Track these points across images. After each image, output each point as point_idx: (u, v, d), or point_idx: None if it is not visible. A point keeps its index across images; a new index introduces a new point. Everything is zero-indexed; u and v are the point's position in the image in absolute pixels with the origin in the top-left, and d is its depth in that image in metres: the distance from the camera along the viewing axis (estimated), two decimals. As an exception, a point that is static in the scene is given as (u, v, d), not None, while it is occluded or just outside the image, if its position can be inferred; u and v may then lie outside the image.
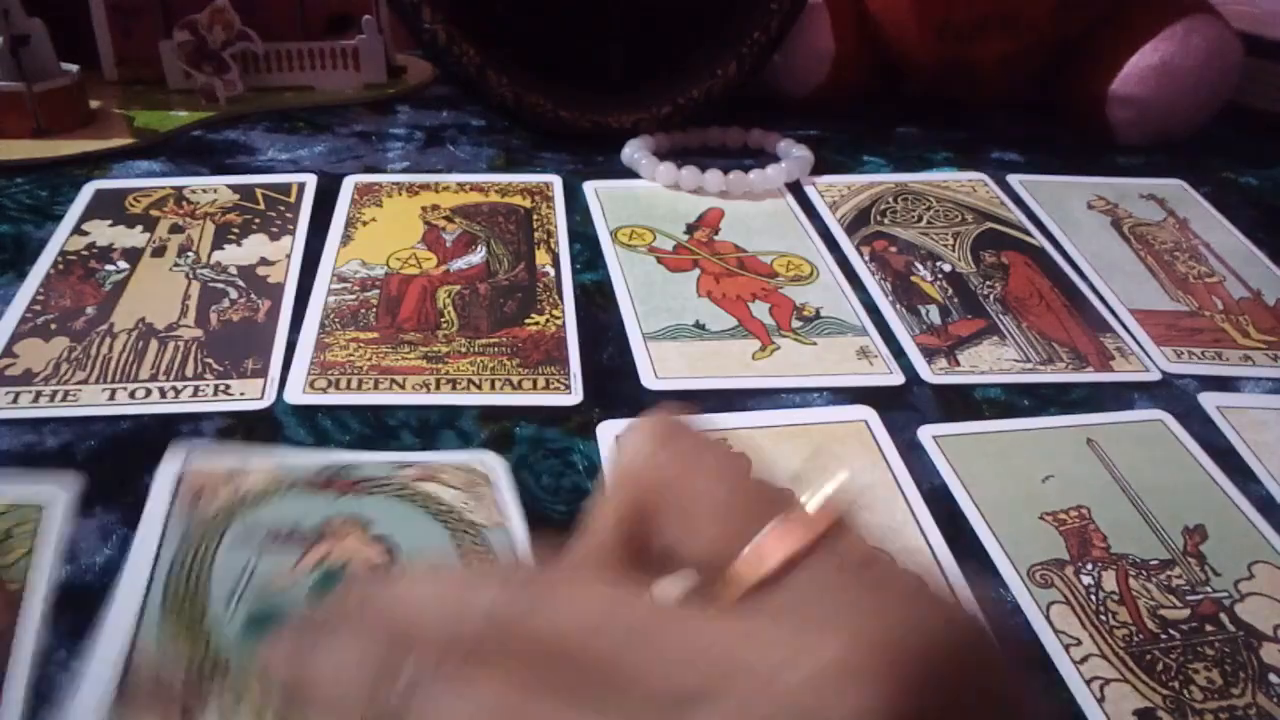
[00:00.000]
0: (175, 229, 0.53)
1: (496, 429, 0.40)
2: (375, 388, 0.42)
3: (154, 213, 0.55)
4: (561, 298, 0.49)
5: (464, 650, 0.18)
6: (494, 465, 0.36)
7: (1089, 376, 0.46)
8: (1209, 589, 0.35)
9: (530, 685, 0.17)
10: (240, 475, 0.34)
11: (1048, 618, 0.34)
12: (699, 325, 0.48)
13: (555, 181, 0.60)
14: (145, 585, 0.31)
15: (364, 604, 0.21)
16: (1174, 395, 0.45)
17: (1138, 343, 0.49)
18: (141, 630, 0.30)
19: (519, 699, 0.17)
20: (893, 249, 0.55)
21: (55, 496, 0.34)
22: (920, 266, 0.54)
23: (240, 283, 0.49)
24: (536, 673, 0.17)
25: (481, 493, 0.34)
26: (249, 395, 0.41)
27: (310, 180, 0.59)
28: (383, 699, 0.18)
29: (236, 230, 0.53)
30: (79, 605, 0.31)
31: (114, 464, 0.37)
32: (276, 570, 0.31)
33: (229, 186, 0.58)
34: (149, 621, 0.30)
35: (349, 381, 0.42)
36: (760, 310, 0.49)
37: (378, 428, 0.40)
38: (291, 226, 0.54)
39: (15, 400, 0.40)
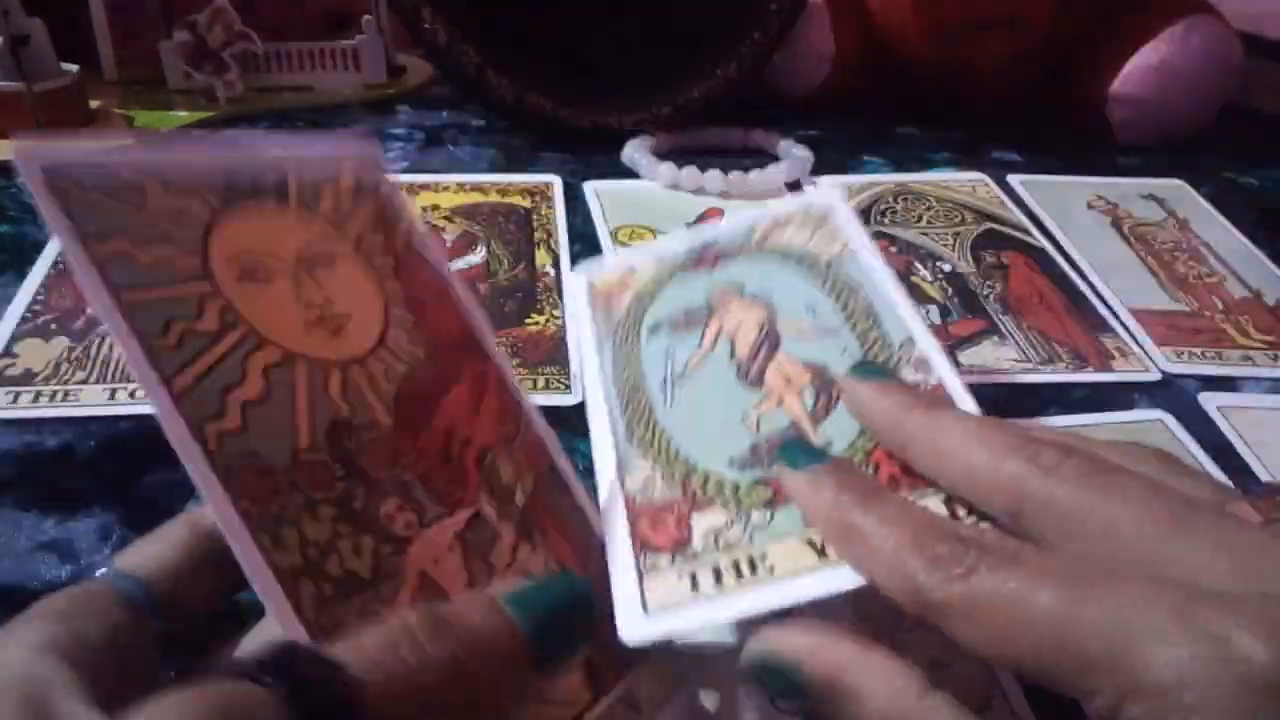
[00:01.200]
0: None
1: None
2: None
3: (154, 213, 0.55)
4: (561, 298, 0.49)
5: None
6: (830, 199, 0.35)
7: (1089, 376, 0.46)
8: (1209, 589, 0.35)
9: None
10: (630, 275, 0.35)
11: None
12: (699, 325, 0.48)
13: (555, 181, 0.60)
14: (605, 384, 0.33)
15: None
16: (1174, 395, 0.45)
17: (1138, 343, 0.49)
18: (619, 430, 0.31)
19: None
20: (893, 249, 0.55)
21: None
22: (920, 266, 0.54)
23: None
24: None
25: (825, 228, 0.34)
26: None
27: (310, 180, 0.59)
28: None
29: (236, 230, 0.53)
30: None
31: (114, 464, 0.37)
32: (687, 353, 0.32)
33: (229, 186, 0.58)
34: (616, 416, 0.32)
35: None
36: (760, 310, 0.49)
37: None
38: (291, 226, 0.54)
39: (15, 400, 0.40)
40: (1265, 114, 0.76)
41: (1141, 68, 0.67)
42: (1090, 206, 0.61)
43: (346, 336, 0.25)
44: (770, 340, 0.31)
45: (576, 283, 0.37)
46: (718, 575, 0.26)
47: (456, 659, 0.20)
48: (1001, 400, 0.44)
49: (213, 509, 0.21)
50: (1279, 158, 0.71)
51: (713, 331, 0.33)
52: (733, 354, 0.31)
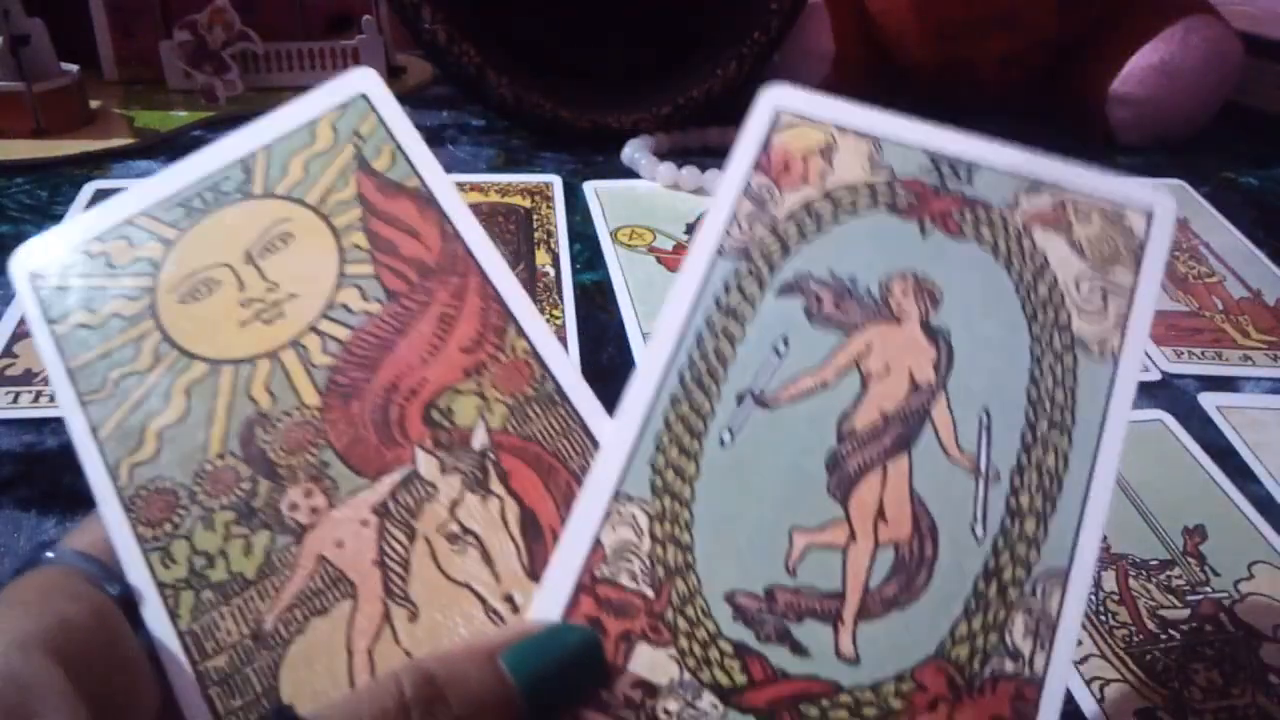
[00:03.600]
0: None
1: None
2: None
3: (154, 213, 0.55)
4: (561, 298, 0.49)
5: None
6: (1156, 201, 0.23)
7: (1089, 376, 0.46)
8: (1209, 589, 0.35)
9: None
10: (833, 151, 0.24)
11: (1048, 618, 0.34)
12: (699, 325, 0.48)
13: (555, 181, 0.60)
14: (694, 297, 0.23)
15: None
16: (1174, 395, 0.45)
17: (1138, 343, 0.49)
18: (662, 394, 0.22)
19: None
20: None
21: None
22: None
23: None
24: None
25: (1117, 249, 0.22)
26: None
27: (310, 180, 0.59)
28: None
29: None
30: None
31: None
32: (800, 364, 0.22)
33: (229, 186, 0.58)
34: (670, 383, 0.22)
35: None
36: (760, 310, 0.49)
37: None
38: (291, 226, 0.54)
39: (15, 400, 0.40)
40: (1265, 114, 0.76)
41: (1141, 68, 0.67)
42: (1090, 206, 0.61)
43: (287, 319, 0.26)
44: (904, 425, 0.21)
45: (757, 124, 0.25)
46: None
47: None
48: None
49: (111, 536, 0.23)
50: (1279, 158, 0.71)
51: (850, 353, 0.22)
52: (846, 415, 0.21)
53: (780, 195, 0.24)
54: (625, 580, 0.21)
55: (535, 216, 0.57)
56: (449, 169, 0.61)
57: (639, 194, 0.60)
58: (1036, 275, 0.22)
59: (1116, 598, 0.35)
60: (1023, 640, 0.20)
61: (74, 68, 0.63)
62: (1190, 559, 0.37)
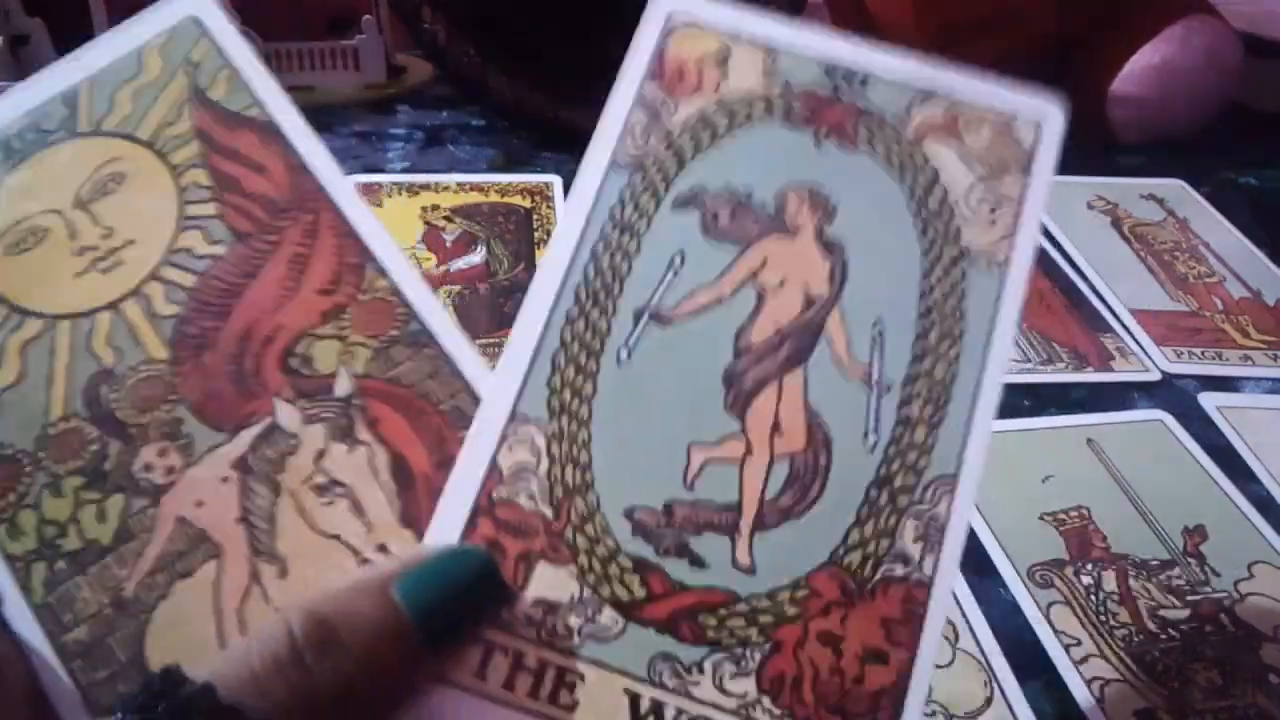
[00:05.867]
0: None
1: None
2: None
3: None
4: (561, 298, 0.49)
5: None
6: (1041, 112, 0.25)
7: (1089, 376, 0.46)
8: (1209, 589, 0.35)
9: None
10: (727, 59, 0.23)
11: (1048, 618, 0.34)
12: (699, 325, 0.48)
13: (555, 181, 0.60)
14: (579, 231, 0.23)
15: None
16: (1174, 395, 0.45)
17: (1138, 343, 0.49)
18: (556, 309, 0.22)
19: None
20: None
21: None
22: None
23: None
24: None
25: (1005, 160, 0.23)
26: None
27: (310, 180, 0.59)
28: None
29: (236, 230, 0.53)
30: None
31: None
32: (696, 278, 0.22)
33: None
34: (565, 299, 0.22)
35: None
36: (760, 310, 0.49)
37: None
38: (291, 226, 0.54)
39: None
40: (1265, 114, 0.76)
41: (1141, 68, 0.67)
42: (1090, 206, 0.61)
43: (125, 269, 0.24)
44: (799, 339, 0.22)
45: (649, 29, 0.24)
46: (511, 674, 0.20)
47: (347, 677, 0.19)
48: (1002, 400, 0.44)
49: None
50: (1279, 158, 0.71)
51: (746, 267, 0.22)
52: (743, 329, 0.22)
53: (674, 105, 0.23)
54: (524, 501, 0.21)
55: (535, 216, 0.57)
56: (449, 169, 0.62)
57: (639, 194, 0.60)
58: (928, 187, 0.22)
59: (1116, 598, 0.35)
60: (913, 544, 0.20)
61: (74, 68, 0.63)
62: (1190, 559, 0.37)
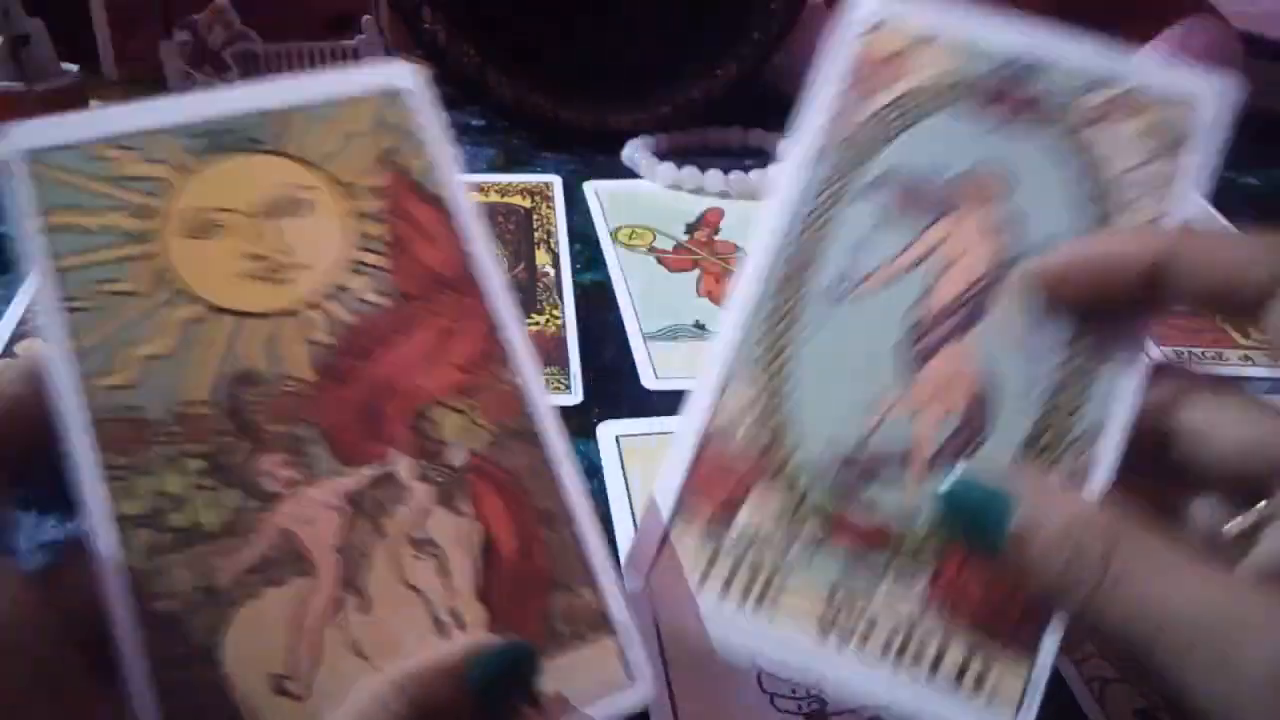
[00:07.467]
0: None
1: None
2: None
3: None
4: (561, 298, 0.49)
5: None
6: (1219, 93, 0.27)
7: (1089, 376, 0.46)
8: (1209, 589, 0.35)
9: None
10: (914, 55, 0.26)
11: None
12: (699, 325, 0.48)
13: (555, 181, 0.60)
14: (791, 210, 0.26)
15: None
16: (1174, 395, 0.45)
17: (1138, 343, 0.49)
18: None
19: None
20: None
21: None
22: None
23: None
24: None
25: (1174, 141, 0.25)
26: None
27: (310, 180, 0.59)
28: None
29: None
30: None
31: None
32: (884, 253, 0.25)
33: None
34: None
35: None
36: (760, 310, 0.49)
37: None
38: (291, 226, 0.54)
39: (15, 400, 0.40)
40: (1265, 114, 0.76)
41: (1141, 68, 0.67)
42: (1090, 206, 0.61)
43: (292, 288, 0.25)
44: (972, 308, 0.25)
45: (849, 24, 0.27)
46: (727, 583, 0.24)
47: None
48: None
49: (72, 452, 0.22)
50: (1279, 158, 0.71)
51: (925, 244, 0.25)
52: (923, 299, 0.25)
53: (865, 97, 0.26)
54: (732, 448, 0.24)
55: (535, 216, 0.57)
56: (449, 169, 0.62)
57: (639, 194, 0.60)
58: (1098, 168, 0.25)
59: (1117, 598, 0.35)
60: (1071, 463, 0.23)
61: (74, 68, 0.63)
62: (1190, 559, 0.37)
